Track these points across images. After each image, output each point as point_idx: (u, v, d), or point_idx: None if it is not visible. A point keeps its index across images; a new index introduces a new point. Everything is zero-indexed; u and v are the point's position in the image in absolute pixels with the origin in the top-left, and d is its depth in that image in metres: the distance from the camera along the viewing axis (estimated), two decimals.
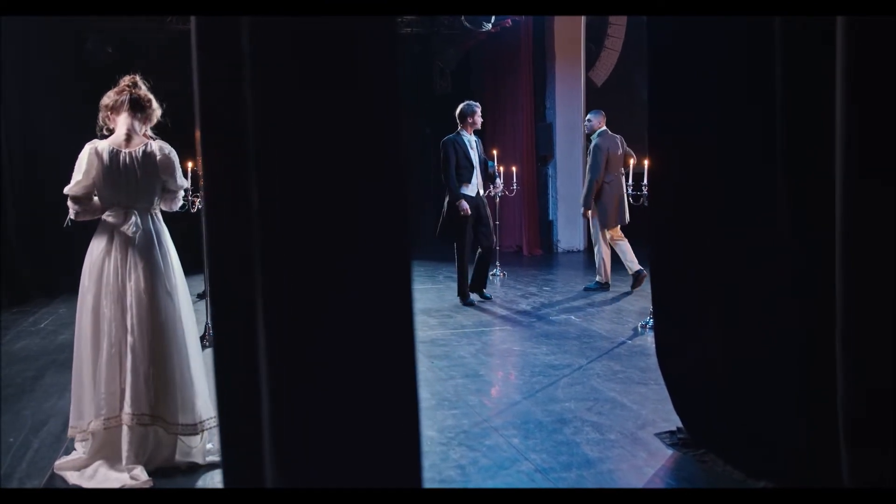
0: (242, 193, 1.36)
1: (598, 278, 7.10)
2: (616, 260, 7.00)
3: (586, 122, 7.25)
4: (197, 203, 4.80)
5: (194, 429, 2.96)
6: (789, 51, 2.47)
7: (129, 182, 2.97)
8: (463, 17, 9.00)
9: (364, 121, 1.34)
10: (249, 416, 1.42)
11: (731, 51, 2.78)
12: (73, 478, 2.85)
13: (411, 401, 1.38)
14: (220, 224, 1.47)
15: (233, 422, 1.49)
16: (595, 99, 10.09)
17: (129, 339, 2.89)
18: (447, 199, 6.34)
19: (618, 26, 10.91)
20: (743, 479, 2.75)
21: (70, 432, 2.96)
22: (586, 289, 7.11)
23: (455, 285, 6.66)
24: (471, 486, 2.80)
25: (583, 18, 10.15)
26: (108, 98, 3.05)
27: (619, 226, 6.94)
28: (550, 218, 10.54)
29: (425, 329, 5.52)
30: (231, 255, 1.44)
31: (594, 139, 7.00)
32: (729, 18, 2.68)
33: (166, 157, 3.02)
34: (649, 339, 4.90)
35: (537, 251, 10.23)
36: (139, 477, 2.80)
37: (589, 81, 10.71)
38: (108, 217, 2.98)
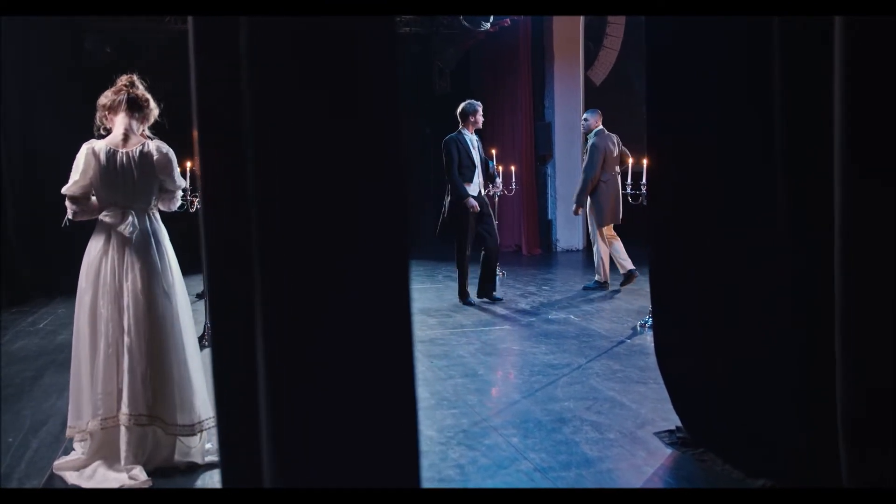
0: (241, 193, 1.36)
1: (597, 277, 7.10)
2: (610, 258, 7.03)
3: (583, 122, 7.26)
4: (196, 203, 4.79)
5: (192, 429, 2.96)
6: (788, 50, 2.47)
7: (126, 182, 2.96)
8: (462, 17, 9.00)
9: (363, 121, 1.34)
10: (248, 416, 1.42)
11: (730, 51, 2.78)
12: (72, 478, 2.85)
13: (409, 401, 1.38)
14: (218, 224, 1.46)
15: (231, 422, 1.49)
16: (594, 98, 10.10)
17: (126, 339, 2.88)
18: (448, 199, 6.32)
19: (617, 25, 10.91)
20: (742, 478, 2.75)
21: (68, 432, 2.96)
22: (585, 288, 7.11)
23: (454, 284, 6.65)
24: (470, 485, 2.80)
25: (581, 18, 10.15)
26: (106, 98, 3.05)
27: (612, 224, 6.96)
28: (549, 217, 10.55)
29: (424, 328, 5.52)
30: (229, 254, 1.44)
31: (591, 138, 7.01)
32: (729, 18, 2.68)
33: (163, 157, 3.01)
34: (648, 338, 4.90)
35: (536, 250, 10.24)
36: (138, 477, 2.80)
37: (588, 80, 10.71)
38: (104, 217, 2.98)
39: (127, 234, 2.93)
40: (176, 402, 2.94)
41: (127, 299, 2.91)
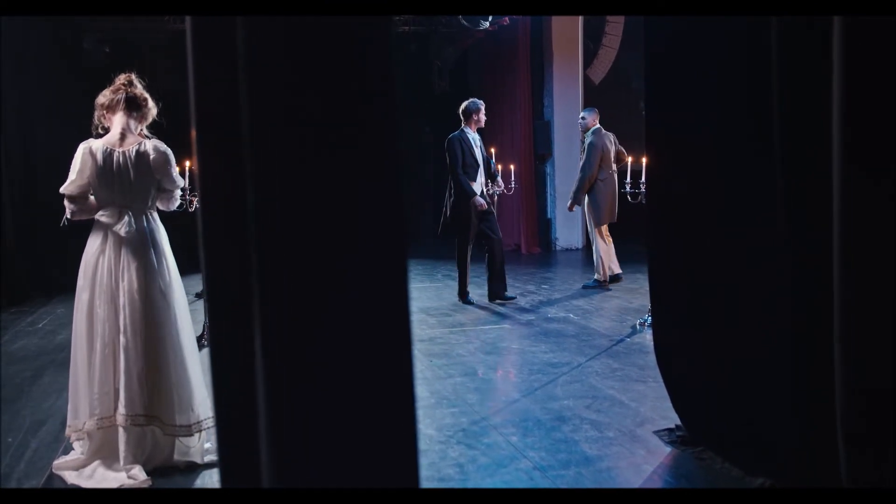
0: (239, 193, 1.36)
1: (596, 276, 7.11)
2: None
3: (580, 121, 7.27)
4: (195, 202, 4.79)
5: (190, 430, 2.95)
6: (787, 50, 2.46)
7: (123, 182, 2.95)
8: (460, 16, 8.99)
9: (362, 120, 1.34)
10: (247, 416, 1.41)
11: (730, 51, 2.78)
12: (72, 477, 2.85)
13: (408, 400, 1.38)
14: (216, 223, 1.46)
15: (231, 422, 1.49)
16: (593, 97, 10.10)
17: (122, 339, 2.88)
18: (450, 198, 6.32)
19: (616, 24, 10.90)
20: (741, 476, 2.75)
21: (67, 431, 2.96)
22: (585, 286, 7.11)
23: (454, 283, 6.65)
24: (469, 484, 2.80)
25: (580, 17, 10.15)
26: (104, 97, 3.04)
27: (607, 224, 6.99)
28: (549, 216, 10.55)
29: (424, 327, 5.52)
30: (227, 254, 1.43)
31: (588, 136, 7.02)
32: (728, 18, 2.67)
33: (160, 156, 3.00)
34: (648, 337, 4.91)
35: (536, 249, 10.24)
36: (137, 476, 2.80)
37: (587, 79, 10.71)
38: (101, 217, 2.97)
39: (123, 234, 2.93)
40: (174, 403, 2.94)
41: (123, 299, 2.90)
